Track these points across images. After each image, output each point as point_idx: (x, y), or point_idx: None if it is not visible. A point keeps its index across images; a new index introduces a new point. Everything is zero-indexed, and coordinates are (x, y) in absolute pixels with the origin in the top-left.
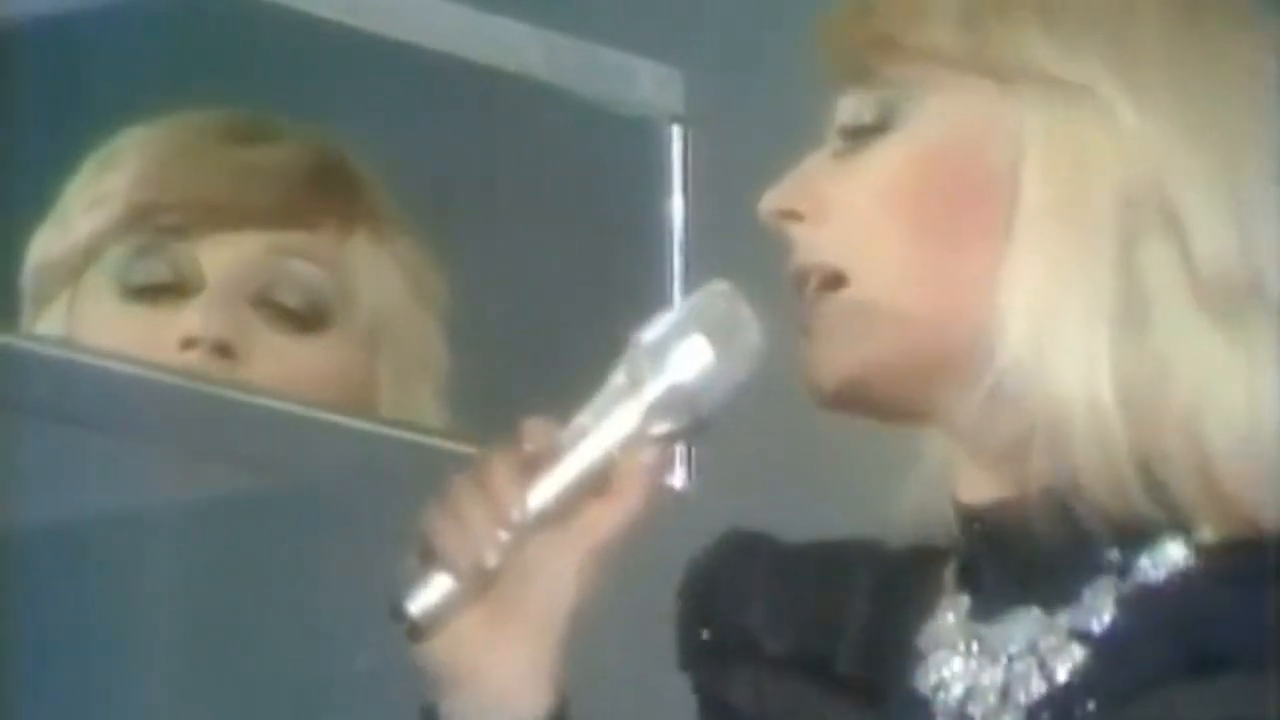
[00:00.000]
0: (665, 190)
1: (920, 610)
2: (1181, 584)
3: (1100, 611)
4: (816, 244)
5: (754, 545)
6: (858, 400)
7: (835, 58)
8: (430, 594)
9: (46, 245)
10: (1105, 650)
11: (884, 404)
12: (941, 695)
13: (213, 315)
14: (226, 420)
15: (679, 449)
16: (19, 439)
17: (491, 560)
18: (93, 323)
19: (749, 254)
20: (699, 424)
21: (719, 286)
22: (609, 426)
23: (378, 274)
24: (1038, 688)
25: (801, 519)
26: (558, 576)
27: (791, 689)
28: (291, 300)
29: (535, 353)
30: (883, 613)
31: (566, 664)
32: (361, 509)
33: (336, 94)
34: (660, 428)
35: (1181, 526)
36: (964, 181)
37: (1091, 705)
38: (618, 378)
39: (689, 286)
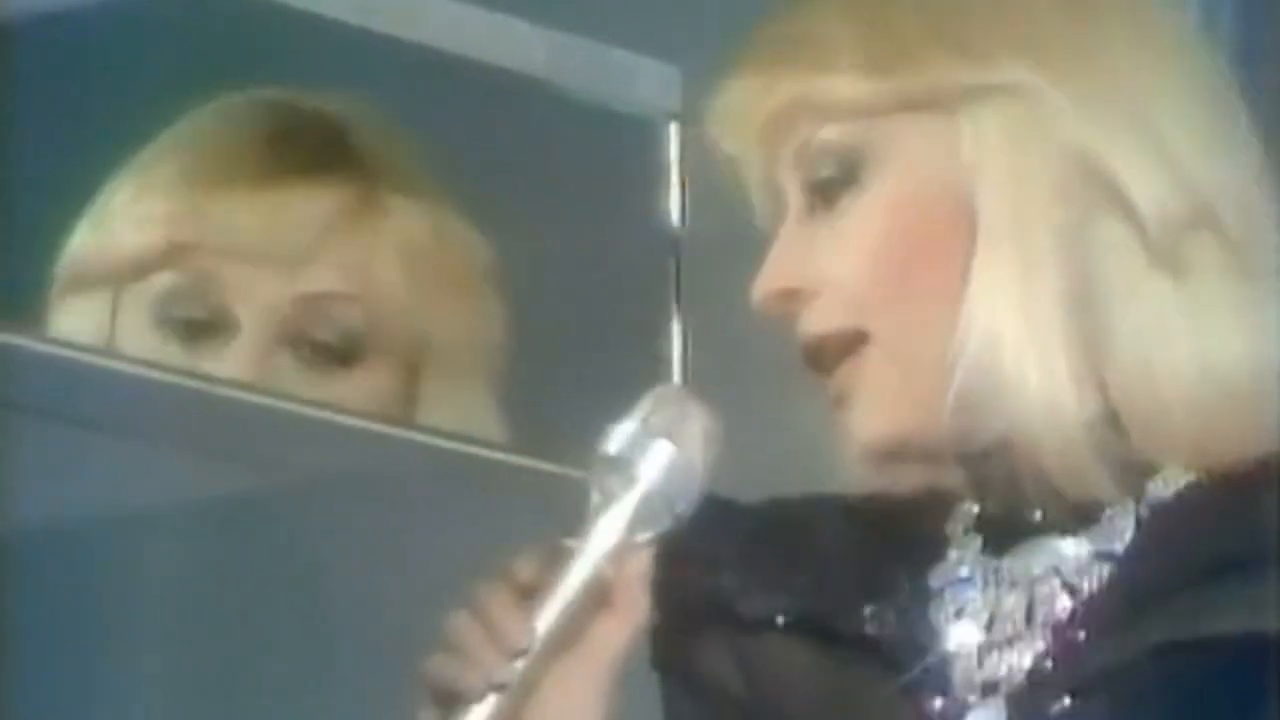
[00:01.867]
0: (665, 189)
1: (924, 555)
2: (1194, 495)
3: (1122, 532)
4: (825, 312)
5: (721, 510)
6: (907, 451)
7: (755, 136)
8: None
9: (87, 246)
10: (1128, 564)
11: (926, 452)
12: (962, 623)
13: (247, 361)
14: (226, 420)
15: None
16: (19, 439)
17: (509, 677)
18: (134, 348)
19: (748, 253)
20: (677, 521)
21: (664, 389)
22: (595, 543)
23: (415, 291)
24: (1063, 605)
25: None
26: (581, 708)
27: (778, 648)
28: (324, 338)
29: (533, 351)
30: (876, 563)
31: None
32: (361, 509)
33: (337, 92)
34: (644, 535)
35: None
36: (940, 215)
37: (1119, 615)
38: (593, 496)
39: (689, 286)
